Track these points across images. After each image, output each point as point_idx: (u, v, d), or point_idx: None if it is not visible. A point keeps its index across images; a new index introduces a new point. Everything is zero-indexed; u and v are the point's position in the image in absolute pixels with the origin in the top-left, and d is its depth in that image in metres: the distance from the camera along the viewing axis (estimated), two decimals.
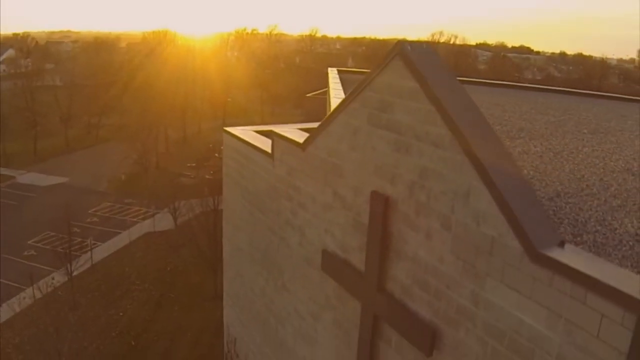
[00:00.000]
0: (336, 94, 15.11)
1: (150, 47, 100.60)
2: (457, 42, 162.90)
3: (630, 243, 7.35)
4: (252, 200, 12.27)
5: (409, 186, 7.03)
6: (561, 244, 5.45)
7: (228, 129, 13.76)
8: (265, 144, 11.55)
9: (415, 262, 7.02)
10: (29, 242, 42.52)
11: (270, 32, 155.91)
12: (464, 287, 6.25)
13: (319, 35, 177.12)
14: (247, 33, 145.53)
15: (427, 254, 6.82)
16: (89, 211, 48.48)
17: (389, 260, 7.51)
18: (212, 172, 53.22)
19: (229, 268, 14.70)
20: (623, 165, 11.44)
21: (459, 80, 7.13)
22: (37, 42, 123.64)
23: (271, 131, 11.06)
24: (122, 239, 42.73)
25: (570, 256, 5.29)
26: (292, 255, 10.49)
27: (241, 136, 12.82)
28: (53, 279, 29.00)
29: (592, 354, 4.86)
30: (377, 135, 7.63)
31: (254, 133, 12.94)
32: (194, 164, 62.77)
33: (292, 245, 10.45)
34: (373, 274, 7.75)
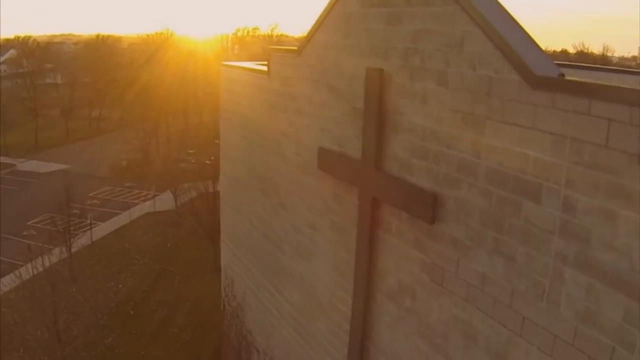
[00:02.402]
0: None
1: (153, 46, 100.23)
2: None
3: None
4: (249, 125, 12.07)
5: (402, 55, 6.93)
6: (561, 76, 5.21)
7: (227, 62, 13.72)
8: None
9: (412, 131, 6.80)
10: (28, 223, 42.30)
11: (271, 33, 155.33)
12: (464, 141, 6.03)
13: None
14: (249, 32, 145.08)
15: (424, 119, 6.61)
16: (90, 194, 48.18)
17: (386, 138, 7.31)
18: (212, 157, 52.97)
19: (226, 206, 14.49)
20: None
21: None
22: (38, 43, 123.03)
23: (268, 49, 10.96)
24: (122, 219, 42.51)
25: (570, 76, 5.11)
26: (288, 169, 10.28)
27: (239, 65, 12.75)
28: (51, 254, 28.70)
29: (602, 167, 4.64)
30: (370, 15, 7.56)
31: (251, 65, 12.83)
32: (194, 151, 62.57)
33: (288, 157, 10.24)
34: (370, 157, 7.55)
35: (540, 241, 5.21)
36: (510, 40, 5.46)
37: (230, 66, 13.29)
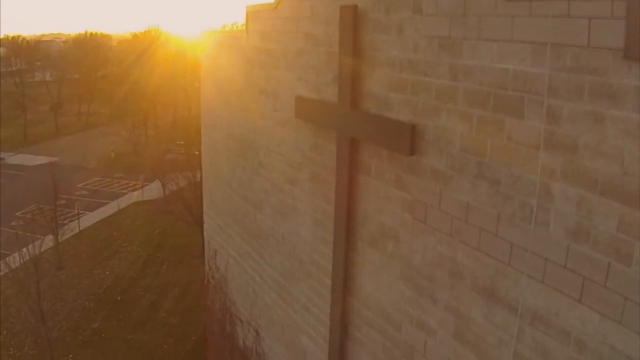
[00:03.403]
0: None
1: (142, 43, 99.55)
2: None
3: None
4: (228, 88, 11.81)
5: None
6: None
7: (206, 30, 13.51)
8: None
9: (389, 64, 6.54)
10: (16, 214, 42.06)
11: None
12: (441, 66, 5.77)
13: None
14: (237, 28, 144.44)
15: (400, 50, 6.35)
16: (78, 185, 48.01)
17: (362, 76, 7.05)
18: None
19: (208, 176, 14.22)
20: None
21: None
22: (27, 41, 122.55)
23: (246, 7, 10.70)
24: (110, 208, 42.42)
25: None
26: (266, 125, 10.04)
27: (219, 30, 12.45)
28: (39, 241, 28.40)
29: (585, 69, 4.38)
30: None
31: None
32: (182, 142, 62.50)
33: (266, 115, 9.98)
34: (346, 97, 7.29)
35: (526, 158, 4.95)
36: None
37: (210, 32, 13.08)
